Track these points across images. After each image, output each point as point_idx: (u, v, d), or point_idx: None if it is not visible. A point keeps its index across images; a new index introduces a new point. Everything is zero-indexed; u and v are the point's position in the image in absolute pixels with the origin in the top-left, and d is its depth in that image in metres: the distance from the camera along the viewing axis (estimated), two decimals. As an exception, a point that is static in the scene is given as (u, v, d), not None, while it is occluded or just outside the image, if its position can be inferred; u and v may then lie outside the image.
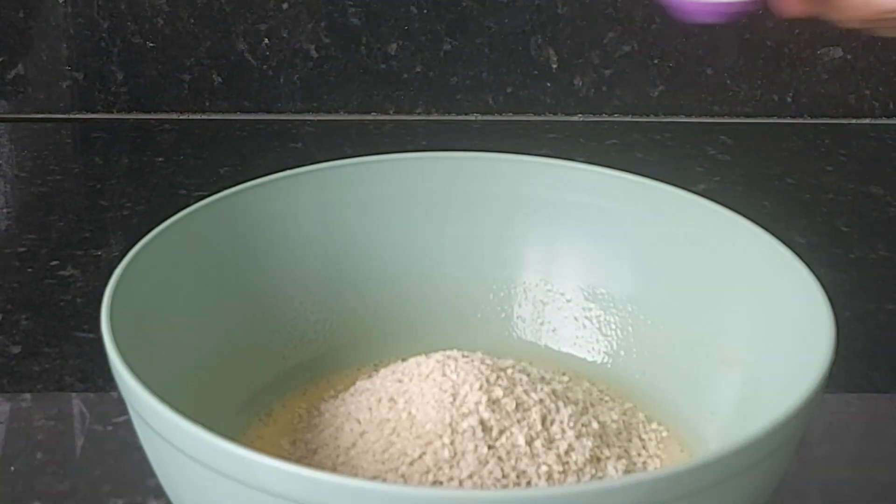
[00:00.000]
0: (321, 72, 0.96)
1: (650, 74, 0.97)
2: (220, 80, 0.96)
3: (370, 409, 0.53)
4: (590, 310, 0.62)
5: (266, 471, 0.42)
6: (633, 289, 0.61)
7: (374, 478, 0.50)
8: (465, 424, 0.51)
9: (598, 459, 0.52)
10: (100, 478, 0.58)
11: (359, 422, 0.53)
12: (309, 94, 0.96)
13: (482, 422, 0.51)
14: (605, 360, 0.61)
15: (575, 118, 0.98)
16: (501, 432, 0.51)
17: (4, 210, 0.83)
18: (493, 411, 0.51)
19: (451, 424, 0.51)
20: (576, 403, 0.54)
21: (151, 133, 0.94)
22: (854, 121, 0.99)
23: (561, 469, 0.51)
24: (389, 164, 0.63)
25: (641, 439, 0.56)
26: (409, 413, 0.52)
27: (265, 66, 0.95)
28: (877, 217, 0.85)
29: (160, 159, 0.90)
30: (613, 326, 0.62)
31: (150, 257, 0.55)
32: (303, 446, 0.55)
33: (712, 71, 0.97)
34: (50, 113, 0.96)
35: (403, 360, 0.56)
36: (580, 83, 0.97)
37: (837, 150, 0.95)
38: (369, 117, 0.97)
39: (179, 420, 0.44)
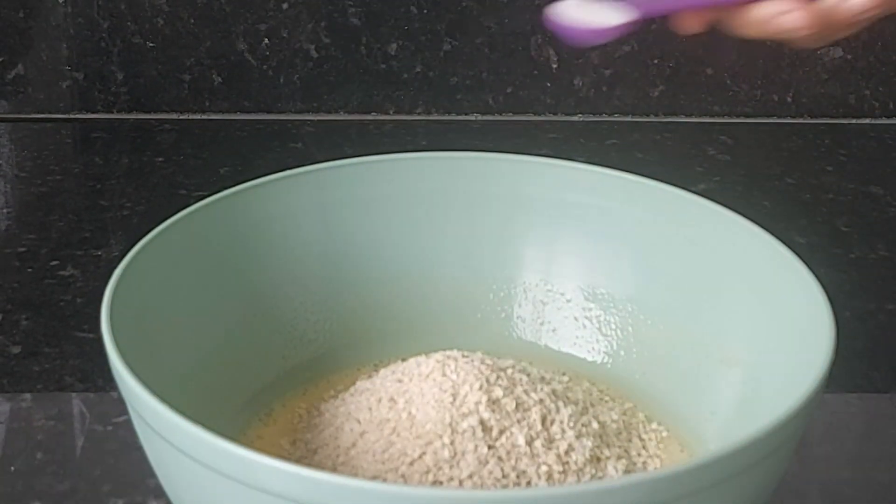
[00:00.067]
0: (321, 72, 0.96)
1: (650, 74, 0.97)
2: (220, 80, 0.96)
3: (370, 409, 0.53)
4: (590, 310, 0.62)
5: (266, 471, 0.42)
6: (633, 289, 0.61)
7: (374, 478, 0.50)
8: (465, 424, 0.51)
9: (598, 459, 0.52)
10: (100, 478, 0.58)
11: (359, 422, 0.53)
12: (309, 94, 0.96)
13: (482, 422, 0.51)
14: (605, 360, 0.61)
15: (575, 118, 0.98)
16: (501, 432, 0.51)
17: (4, 210, 0.83)
18: (493, 411, 0.51)
19: (451, 424, 0.51)
20: (576, 403, 0.54)
21: (151, 133, 0.94)
22: (854, 121, 0.99)
23: (561, 469, 0.51)
24: (389, 164, 0.63)
25: (641, 439, 0.56)
26: (409, 413, 0.52)
27: (265, 66, 0.95)
28: (877, 217, 0.85)
29: (160, 159, 0.90)
30: (613, 326, 0.62)
31: (150, 257, 0.55)
32: (303, 446, 0.55)
33: (712, 71, 0.97)
34: (50, 113, 0.96)
35: (403, 360, 0.56)
36: (580, 83, 0.97)
37: (837, 150, 0.95)
38: (369, 117, 0.97)
39: (179, 420, 0.44)
